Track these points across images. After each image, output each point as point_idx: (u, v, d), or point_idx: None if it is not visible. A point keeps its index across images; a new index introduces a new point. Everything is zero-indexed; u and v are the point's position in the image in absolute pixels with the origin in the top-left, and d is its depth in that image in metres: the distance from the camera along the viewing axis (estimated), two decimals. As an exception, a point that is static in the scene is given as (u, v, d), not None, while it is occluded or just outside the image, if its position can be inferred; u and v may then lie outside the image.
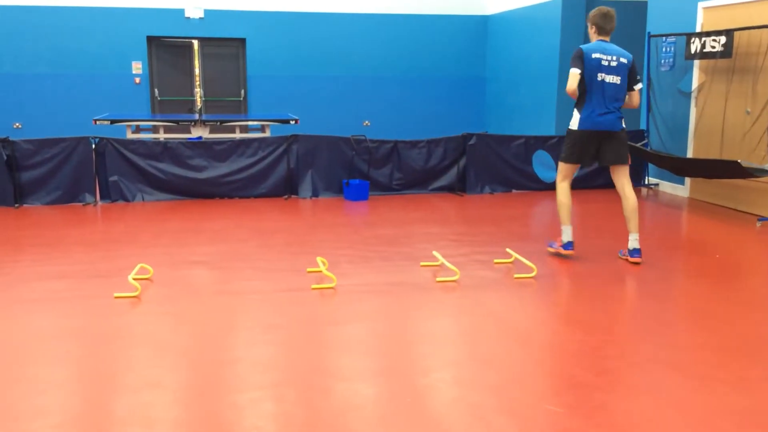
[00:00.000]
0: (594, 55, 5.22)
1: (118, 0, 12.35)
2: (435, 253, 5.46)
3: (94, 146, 7.68)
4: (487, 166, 8.59)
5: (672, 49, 8.57)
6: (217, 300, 4.48)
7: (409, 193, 8.51)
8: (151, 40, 12.77)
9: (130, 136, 9.62)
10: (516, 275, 5.03)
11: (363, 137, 8.31)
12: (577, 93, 5.24)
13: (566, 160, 5.50)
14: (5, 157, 7.46)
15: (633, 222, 5.37)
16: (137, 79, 12.72)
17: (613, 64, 5.23)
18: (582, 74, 5.21)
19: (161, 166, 7.88)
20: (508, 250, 5.58)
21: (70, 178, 7.65)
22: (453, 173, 8.62)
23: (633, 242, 5.37)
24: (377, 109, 13.63)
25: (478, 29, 13.78)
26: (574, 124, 5.34)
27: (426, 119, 13.67)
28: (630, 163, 5.56)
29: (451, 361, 3.55)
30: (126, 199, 7.80)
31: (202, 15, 12.70)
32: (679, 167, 7.68)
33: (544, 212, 7.62)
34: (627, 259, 5.40)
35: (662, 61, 8.80)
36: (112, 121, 9.79)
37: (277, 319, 4.14)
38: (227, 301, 4.46)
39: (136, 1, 12.42)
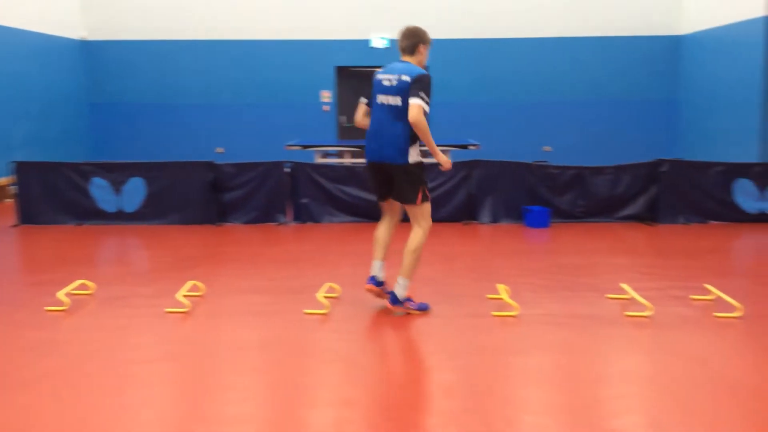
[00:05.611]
0: (377, 77, 4.75)
1: (310, 33, 13.18)
2: (624, 285, 5.16)
3: (287, 170, 8.19)
4: (681, 195, 8.04)
5: None
6: (401, 321, 4.56)
7: (593, 221, 8.17)
8: (339, 69, 13.47)
9: (318, 161, 10.15)
10: (716, 314, 4.62)
11: (545, 163, 8.13)
12: (361, 123, 4.82)
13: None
14: (211, 180, 8.17)
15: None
16: (326, 107, 13.45)
17: (394, 83, 4.60)
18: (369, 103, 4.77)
19: (347, 189, 8.22)
20: (707, 285, 5.15)
21: (265, 200, 8.21)
22: (642, 201, 8.15)
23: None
24: (559, 135, 13.29)
25: (670, 50, 13.01)
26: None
27: (610, 145, 13.08)
28: (417, 203, 4.75)
29: (645, 404, 3.31)
30: (314, 221, 8.22)
31: (387, 44, 13.19)
32: None
33: (747, 245, 6.97)
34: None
35: None
36: (303, 147, 10.40)
37: (459, 344, 4.12)
38: (411, 323, 4.51)
39: (326, 34, 13.18)
